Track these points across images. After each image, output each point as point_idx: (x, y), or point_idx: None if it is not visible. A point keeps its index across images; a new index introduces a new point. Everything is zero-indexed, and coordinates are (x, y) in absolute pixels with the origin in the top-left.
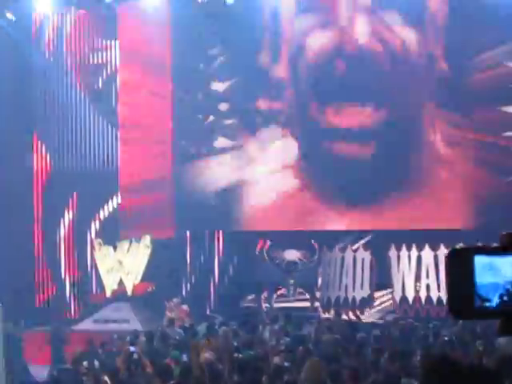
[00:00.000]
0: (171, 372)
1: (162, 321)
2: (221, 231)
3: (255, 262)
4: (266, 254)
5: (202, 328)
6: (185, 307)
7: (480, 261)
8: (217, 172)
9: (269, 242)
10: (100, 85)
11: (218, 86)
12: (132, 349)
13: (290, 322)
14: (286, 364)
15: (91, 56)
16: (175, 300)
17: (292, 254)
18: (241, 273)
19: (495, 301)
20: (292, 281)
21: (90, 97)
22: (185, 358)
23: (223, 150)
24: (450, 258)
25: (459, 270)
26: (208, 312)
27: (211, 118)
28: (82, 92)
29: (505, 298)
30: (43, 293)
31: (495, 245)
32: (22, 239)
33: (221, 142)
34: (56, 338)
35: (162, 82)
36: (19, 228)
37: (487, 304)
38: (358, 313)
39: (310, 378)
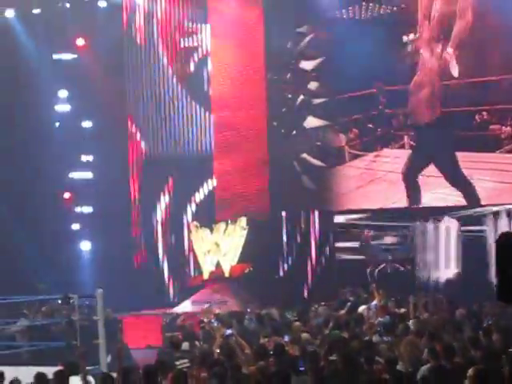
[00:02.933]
0: (268, 353)
1: (259, 302)
2: (316, 211)
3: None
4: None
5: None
6: (219, 311)
7: None
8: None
9: (371, 232)
10: (192, 69)
11: (307, 65)
12: (228, 331)
13: (390, 299)
14: (384, 340)
15: (182, 40)
16: (207, 305)
17: (391, 239)
18: (337, 252)
19: None
20: (390, 257)
21: (182, 81)
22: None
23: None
24: (499, 243)
25: (509, 255)
26: (305, 292)
27: (301, 97)
28: (175, 77)
29: None
30: (143, 277)
31: None
32: (120, 224)
33: (310, 121)
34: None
35: (255, 64)
36: (117, 214)
37: None
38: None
39: (408, 355)
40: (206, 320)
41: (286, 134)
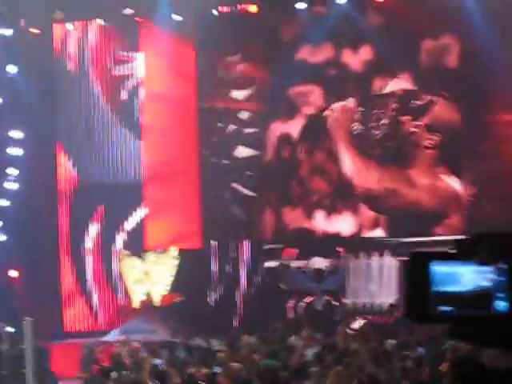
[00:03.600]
0: (197, 382)
1: (189, 332)
2: (247, 241)
3: (282, 271)
4: (292, 262)
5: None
6: (135, 344)
7: (438, 267)
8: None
9: (296, 251)
10: (124, 96)
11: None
12: (157, 361)
13: (319, 329)
14: (313, 370)
15: (114, 68)
16: (124, 336)
17: (318, 262)
18: (268, 282)
19: (449, 307)
20: (319, 288)
21: (114, 109)
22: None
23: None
24: (407, 263)
25: (415, 275)
26: (235, 322)
27: (232, 126)
28: (106, 104)
29: (459, 306)
30: (71, 305)
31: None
32: (48, 252)
33: (241, 150)
34: (84, 351)
35: (187, 92)
36: (45, 241)
37: (442, 309)
38: (386, 319)
39: None
40: (121, 351)
41: (216, 162)
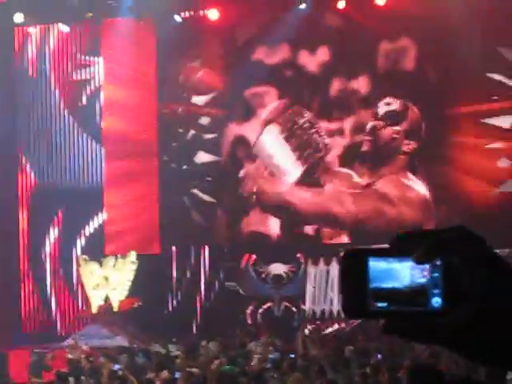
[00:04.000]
0: None
1: (147, 337)
2: (206, 247)
3: (241, 277)
4: (251, 269)
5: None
6: (85, 347)
7: (374, 263)
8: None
9: (254, 256)
10: (84, 101)
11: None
12: (116, 366)
13: (278, 335)
14: (272, 377)
15: (74, 73)
16: (73, 340)
17: (278, 268)
18: (227, 287)
19: (386, 303)
20: (278, 294)
21: (74, 113)
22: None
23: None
24: (344, 259)
25: (353, 271)
26: (194, 327)
27: (192, 132)
28: (66, 108)
29: (396, 302)
30: (29, 310)
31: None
32: (7, 256)
33: (201, 156)
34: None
35: (147, 97)
36: (4, 245)
37: (379, 305)
38: (344, 326)
39: None
40: (71, 356)
41: (176, 168)
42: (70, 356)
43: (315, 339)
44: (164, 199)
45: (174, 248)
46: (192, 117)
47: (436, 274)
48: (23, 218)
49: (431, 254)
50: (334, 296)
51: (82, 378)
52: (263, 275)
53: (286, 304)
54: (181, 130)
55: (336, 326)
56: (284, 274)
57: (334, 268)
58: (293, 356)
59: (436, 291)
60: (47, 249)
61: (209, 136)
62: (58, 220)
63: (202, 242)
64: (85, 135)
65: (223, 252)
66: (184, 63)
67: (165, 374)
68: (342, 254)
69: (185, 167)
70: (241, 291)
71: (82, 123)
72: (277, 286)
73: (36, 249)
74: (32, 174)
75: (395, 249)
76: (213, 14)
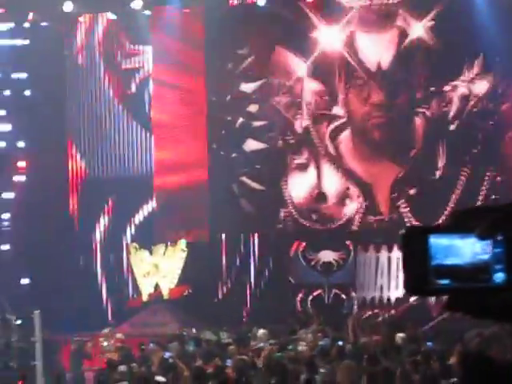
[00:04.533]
0: (206, 375)
1: (198, 325)
2: (256, 234)
3: (291, 264)
4: (300, 256)
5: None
6: (119, 335)
7: (436, 240)
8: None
9: (303, 244)
10: (133, 90)
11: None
12: (167, 354)
13: (327, 323)
14: (322, 365)
15: (124, 61)
16: (108, 329)
17: (327, 255)
18: (277, 275)
19: (448, 280)
20: (327, 282)
21: (123, 102)
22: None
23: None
24: (404, 238)
25: (414, 249)
26: (244, 315)
27: (241, 119)
28: (116, 97)
29: (458, 279)
30: (81, 298)
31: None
32: (59, 247)
33: (250, 143)
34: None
35: (196, 85)
36: (56, 235)
37: (442, 282)
38: (394, 312)
39: (346, 380)
40: (106, 344)
41: (225, 156)
42: (104, 344)
43: (365, 326)
44: (213, 187)
45: (223, 236)
46: (241, 104)
47: (498, 250)
48: (74, 206)
49: (494, 228)
50: (384, 283)
51: (133, 365)
52: (313, 262)
53: (336, 291)
54: (229, 118)
55: (386, 313)
56: (333, 261)
57: (384, 255)
58: (342, 343)
59: (499, 266)
60: (98, 237)
61: (257, 123)
62: (109, 208)
63: (251, 230)
64: (134, 123)
65: (272, 239)
66: (232, 50)
67: (215, 361)
68: (402, 232)
69: (234, 155)
70: (290, 279)
71: (131, 111)
72: (326, 273)
73: (87, 237)
74: (82, 163)
75: (456, 225)
76: (261, 1)
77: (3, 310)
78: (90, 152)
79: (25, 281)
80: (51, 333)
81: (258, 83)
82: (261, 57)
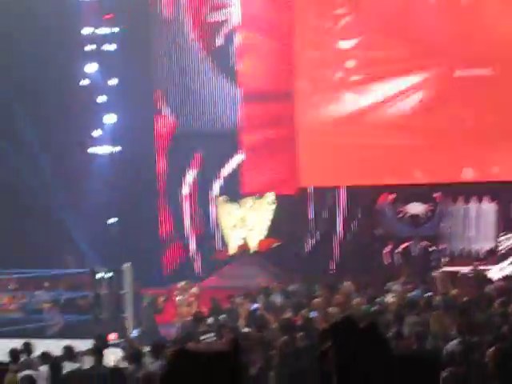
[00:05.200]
0: (295, 327)
1: (285, 277)
2: (344, 187)
3: (379, 216)
4: (388, 208)
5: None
6: (194, 290)
7: None
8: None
9: (392, 196)
10: (219, 43)
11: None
12: (254, 306)
13: (415, 275)
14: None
15: (210, 14)
16: (183, 283)
17: (415, 207)
18: (364, 227)
19: None
20: (416, 234)
21: (209, 55)
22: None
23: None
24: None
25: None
26: (332, 267)
27: (339, 74)
28: (202, 51)
29: None
30: (169, 251)
31: None
32: (147, 200)
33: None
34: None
35: (284, 39)
36: (144, 189)
37: None
38: (483, 265)
39: (436, 331)
40: (180, 297)
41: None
42: (179, 298)
43: (454, 278)
44: (301, 140)
45: (311, 188)
46: (338, 60)
47: None
48: (162, 160)
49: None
50: (472, 234)
51: (221, 317)
52: (401, 214)
53: (424, 243)
54: (322, 73)
55: (475, 265)
56: (422, 213)
57: (473, 207)
58: (431, 295)
59: None
60: (185, 191)
61: (353, 78)
62: (196, 162)
63: (338, 182)
64: (221, 77)
65: (360, 191)
66: (329, 9)
67: (303, 313)
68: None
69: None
70: (378, 231)
71: (217, 65)
72: (414, 225)
73: (174, 191)
74: (170, 118)
75: None
76: None
77: (93, 264)
78: (178, 107)
79: (114, 232)
80: (141, 285)
81: (356, 40)
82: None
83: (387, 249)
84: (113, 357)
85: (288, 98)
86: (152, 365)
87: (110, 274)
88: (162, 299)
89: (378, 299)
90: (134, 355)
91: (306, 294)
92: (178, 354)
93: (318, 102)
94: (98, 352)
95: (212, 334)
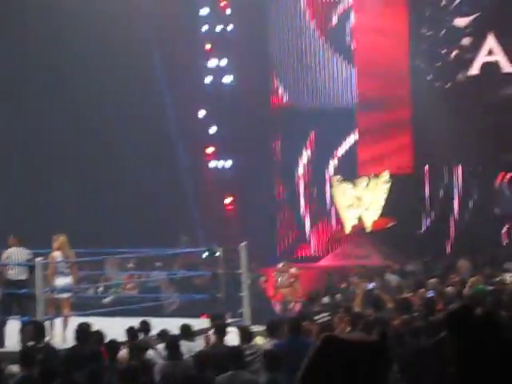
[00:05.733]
0: (412, 307)
1: (401, 257)
2: (459, 165)
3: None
4: (506, 187)
5: None
6: (294, 270)
7: None
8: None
9: (509, 174)
10: (334, 22)
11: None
12: (370, 285)
13: None
14: None
15: None
16: (283, 263)
17: None
18: (481, 207)
19: None
20: None
21: (324, 34)
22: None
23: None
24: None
25: None
26: (448, 247)
27: (455, 52)
28: (317, 29)
29: None
30: (284, 231)
31: None
32: (261, 180)
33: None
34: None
35: (399, 17)
36: (259, 168)
37: None
38: None
39: None
40: (279, 278)
41: (441, 86)
42: (279, 279)
43: None
44: (416, 119)
45: (426, 167)
46: (453, 38)
47: None
48: (276, 140)
49: None
50: None
51: (337, 296)
52: None
53: None
54: (441, 51)
55: None
56: None
57: None
58: None
59: None
60: (300, 170)
61: (469, 55)
62: (311, 141)
63: (454, 161)
64: (336, 56)
65: (476, 171)
66: None
67: (421, 292)
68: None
69: (448, 85)
70: (496, 210)
71: (333, 44)
72: None
73: (289, 170)
74: (284, 96)
75: None
76: None
77: (210, 242)
78: (293, 85)
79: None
80: (257, 265)
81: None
82: None
83: (505, 229)
84: (228, 336)
85: (403, 77)
86: (268, 343)
87: (226, 253)
88: (263, 279)
89: (494, 279)
90: (246, 335)
91: (423, 274)
92: (330, 340)
93: (439, 79)
94: (220, 331)
95: (326, 314)
